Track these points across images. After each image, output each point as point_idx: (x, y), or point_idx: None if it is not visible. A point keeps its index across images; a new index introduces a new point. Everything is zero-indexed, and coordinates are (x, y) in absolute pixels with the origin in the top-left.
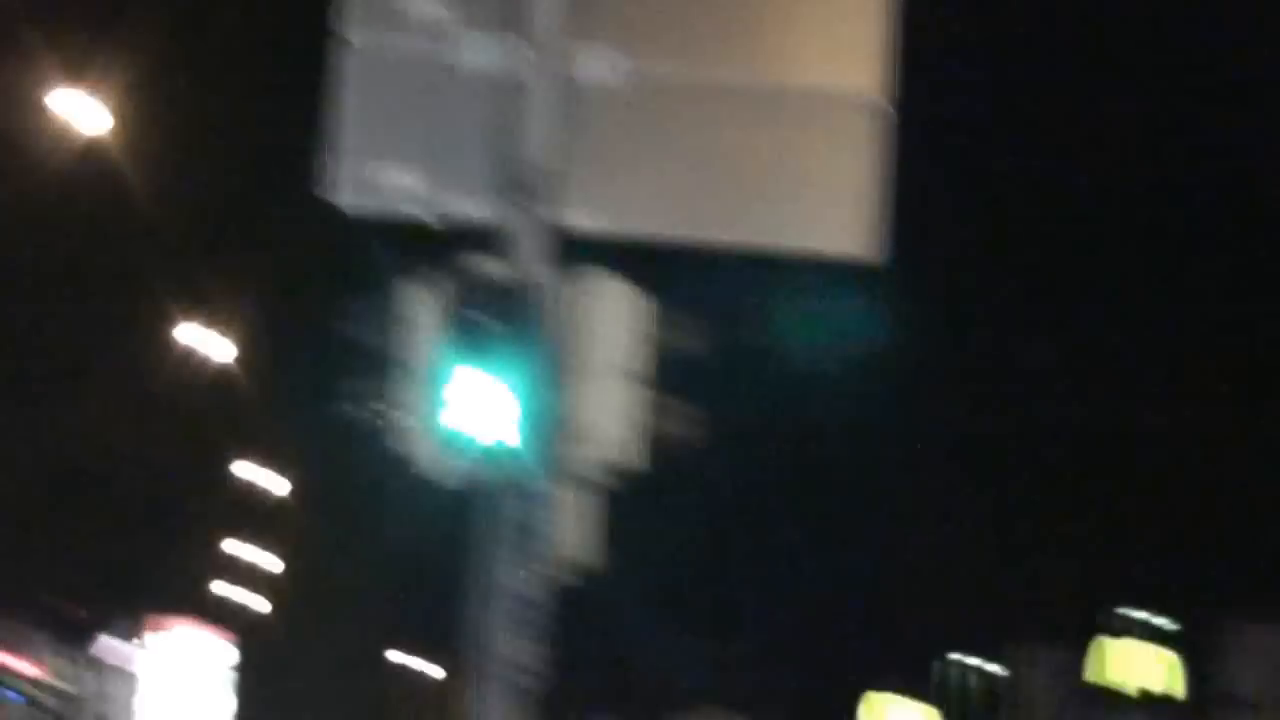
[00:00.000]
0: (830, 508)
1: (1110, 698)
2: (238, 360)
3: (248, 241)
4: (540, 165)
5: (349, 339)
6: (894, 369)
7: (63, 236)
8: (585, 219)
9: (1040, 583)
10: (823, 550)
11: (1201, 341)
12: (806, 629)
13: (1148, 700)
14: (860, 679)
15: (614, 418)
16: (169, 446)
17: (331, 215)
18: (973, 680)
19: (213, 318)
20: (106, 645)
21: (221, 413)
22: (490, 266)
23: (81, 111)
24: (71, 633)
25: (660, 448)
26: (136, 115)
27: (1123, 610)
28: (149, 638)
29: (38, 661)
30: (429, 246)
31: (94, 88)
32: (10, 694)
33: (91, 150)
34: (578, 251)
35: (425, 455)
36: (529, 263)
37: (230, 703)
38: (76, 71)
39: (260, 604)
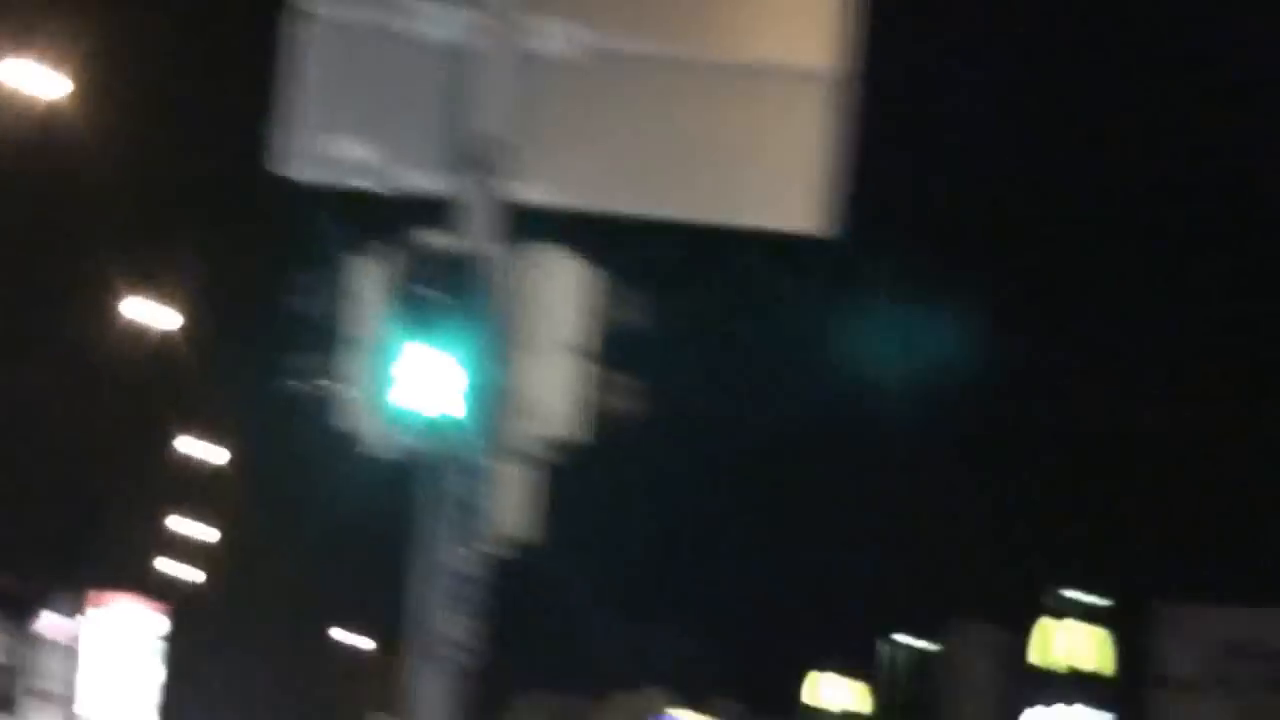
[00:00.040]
0: (780, 492)
1: (1047, 678)
2: (181, 331)
3: (193, 213)
4: (494, 138)
5: (295, 312)
6: (844, 348)
7: (3, 207)
8: (538, 192)
9: (980, 565)
10: (771, 532)
11: (1134, 332)
12: (754, 610)
13: (1084, 680)
14: (806, 659)
15: (559, 392)
16: (111, 419)
17: (280, 187)
18: (912, 659)
19: (157, 289)
20: (47, 620)
21: (164, 385)
22: (439, 240)
23: (27, 81)
24: (12, 608)
25: (606, 423)
26: (84, 86)
27: (1060, 591)
28: (90, 612)
29: None
30: (377, 219)
31: (43, 56)
32: None
33: (36, 120)
34: (529, 223)
35: (369, 429)
36: (479, 236)
37: (166, 676)
38: (24, 41)
39: (199, 577)
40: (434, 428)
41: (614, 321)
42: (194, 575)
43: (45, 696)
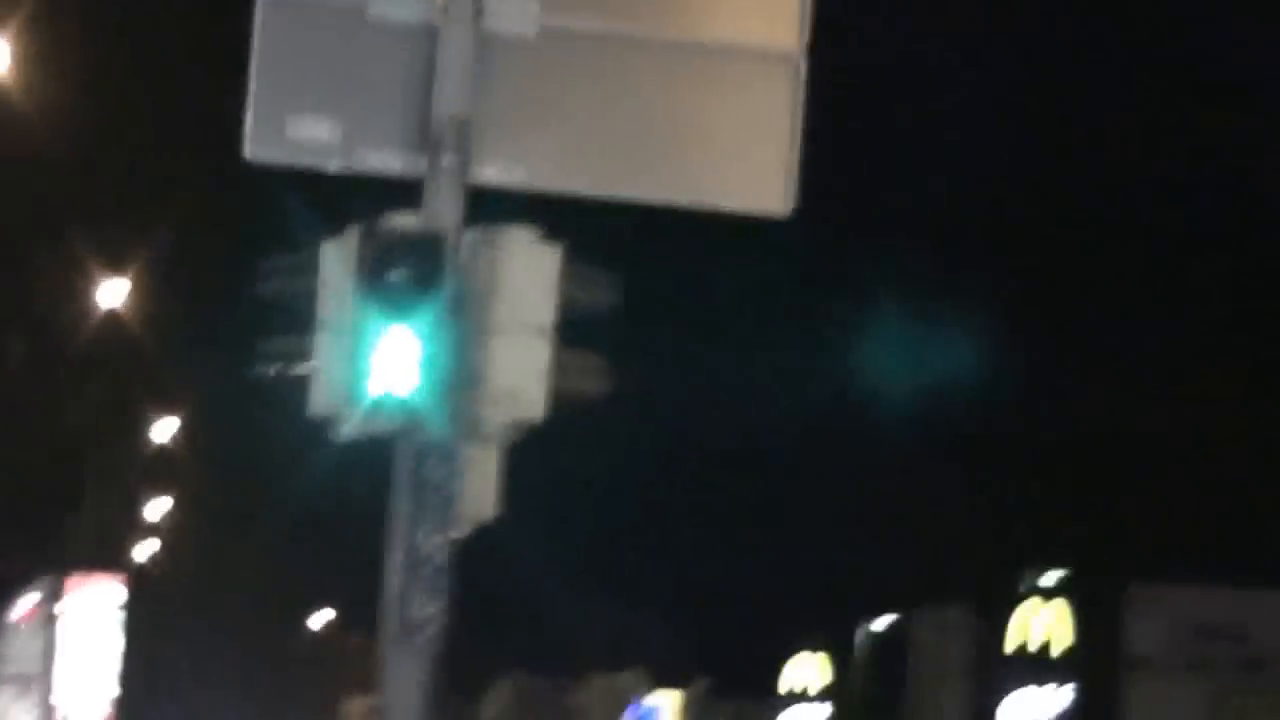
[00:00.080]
0: (762, 478)
1: (1015, 658)
2: (141, 312)
3: (156, 194)
4: (456, 118)
5: (259, 294)
6: (812, 330)
7: None
8: (499, 173)
9: (956, 550)
10: (752, 517)
11: (1134, 332)
12: (733, 594)
13: (1052, 661)
14: (784, 642)
15: (522, 372)
16: (83, 401)
17: (242, 168)
18: (886, 642)
19: (121, 270)
20: (24, 603)
21: (130, 365)
22: (402, 221)
23: None
24: None
25: (581, 406)
26: (37, 63)
27: (1028, 572)
28: (68, 596)
29: None
30: (340, 201)
31: None
32: None
33: None
34: (490, 203)
35: (332, 410)
36: (441, 217)
37: (127, 650)
38: None
39: (167, 556)
40: (400, 408)
41: (579, 302)
42: (163, 554)
43: (19, 680)
